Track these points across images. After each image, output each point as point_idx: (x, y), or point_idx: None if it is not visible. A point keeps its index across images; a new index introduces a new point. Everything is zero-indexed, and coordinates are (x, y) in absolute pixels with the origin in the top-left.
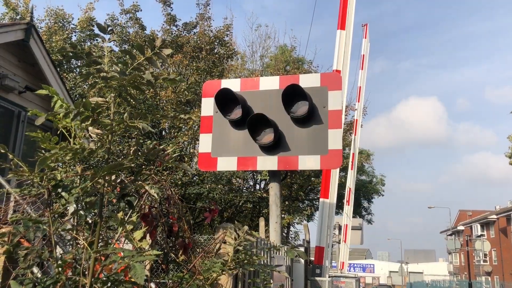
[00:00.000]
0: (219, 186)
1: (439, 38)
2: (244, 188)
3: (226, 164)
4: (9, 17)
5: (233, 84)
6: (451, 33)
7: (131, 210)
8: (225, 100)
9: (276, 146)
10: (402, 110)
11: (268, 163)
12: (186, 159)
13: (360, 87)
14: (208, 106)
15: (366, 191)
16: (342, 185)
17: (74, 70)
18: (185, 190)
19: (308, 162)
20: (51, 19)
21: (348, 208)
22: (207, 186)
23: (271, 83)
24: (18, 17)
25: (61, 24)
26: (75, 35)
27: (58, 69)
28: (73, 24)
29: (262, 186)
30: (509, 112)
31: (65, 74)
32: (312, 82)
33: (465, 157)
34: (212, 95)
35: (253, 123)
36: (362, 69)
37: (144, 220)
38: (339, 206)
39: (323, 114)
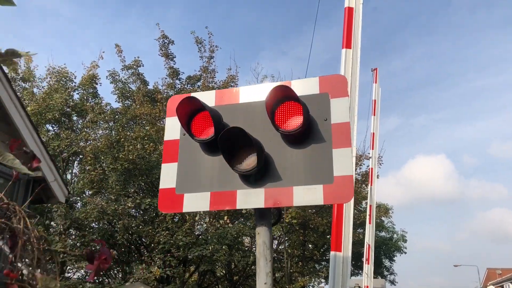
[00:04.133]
0: (223, 247)
1: (450, 93)
2: (254, 248)
3: (195, 202)
4: (9, 77)
5: (206, 97)
6: (461, 88)
7: None
8: (192, 115)
9: (262, 174)
10: (411, 167)
11: (251, 199)
12: (187, 217)
13: (373, 133)
14: (173, 128)
15: (387, 249)
16: (360, 242)
17: (74, 127)
18: (187, 252)
19: (307, 195)
20: (52, 77)
21: (368, 267)
22: (209, 248)
23: (255, 94)
24: (18, 77)
25: (63, 83)
26: (78, 93)
27: (57, 126)
28: (75, 82)
29: (274, 246)
30: None
31: (61, 131)
32: (309, 88)
33: (479, 213)
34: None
35: (228, 143)
36: (374, 114)
37: None
38: (358, 266)
39: (324, 129)
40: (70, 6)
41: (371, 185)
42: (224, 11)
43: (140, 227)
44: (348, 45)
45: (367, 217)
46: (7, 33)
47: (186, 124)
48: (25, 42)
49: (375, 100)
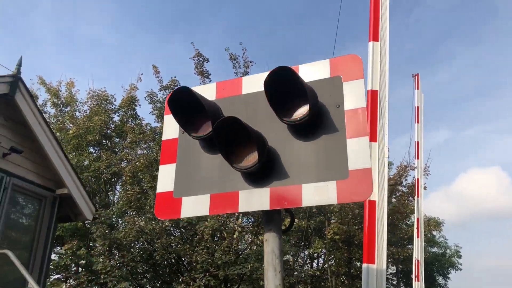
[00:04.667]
0: (263, 265)
1: (503, 103)
2: (297, 266)
3: (194, 207)
4: (51, 102)
5: (206, 90)
6: None
7: None
8: (189, 110)
9: (267, 171)
10: (464, 181)
11: (255, 200)
12: (225, 234)
13: (417, 142)
14: (171, 126)
15: (440, 265)
16: (410, 259)
17: (115, 149)
18: (227, 270)
19: (318, 194)
20: (93, 101)
21: (419, 285)
22: (249, 266)
23: (259, 83)
24: (60, 102)
25: (103, 106)
26: (118, 115)
27: (98, 148)
28: (115, 105)
29: (320, 264)
30: None
31: (102, 153)
32: (318, 72)
33: None
34: None
35: (225, 136)
36: (417, 122)
37: None
38: (409, 284)
39: (336, 117)
40: (115, 35)
41: (417, 196)
42: (265, 31)
43: (179, 246)
44: (375, 37)
45: (415, 230)
46: (55, 63)
47: (183, 120)
48: (73, 71)
49: (417, 107)
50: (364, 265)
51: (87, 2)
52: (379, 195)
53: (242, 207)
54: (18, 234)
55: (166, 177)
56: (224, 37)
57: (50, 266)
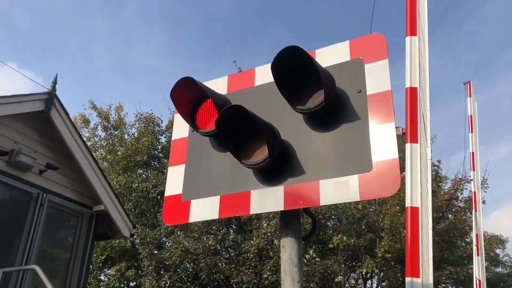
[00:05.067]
0: (311, 286)
1: None
2: (348, 285)
3: (203, 210)
4: (101, 125)
5: (217, 84)
6: None
7: None
8: (197, 105)
9: (281, 167)
10: None
11: (268, 200)
12: (271, 253)
13: (472, 153)
14: (181, 125)
15: (506, 287)
16: (470, 278)
17: (163, 170)
18: None
19: (338, 191)
20: (140, 123)
21: None
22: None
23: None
24: (110, 125)
25: (151, 127)
26: (164, 136)
27: (146, 169)
28: (162, 126)
29: (374, 285)
30: None
31: (149, 173)
32: (337, 55)
33: None
34: None
35: (230, 127)
36: (471, 132)
37: None
38: None
39: (358, 103)
40: (167, 62)
41: (475, 211)
42: (310, 49)
43: (224, 265)
44: (412, 32)
45: (474, 247)
46: (110, 89)
47: (189, 115)
48: (124, 97)
49: (471, 116)
50: (408, 279)
51: (141, 33)
52: (422, 201)
53: (254, 209)
54: (54, 251)
55: (174, 180)
56: (269, 59)
57: None
